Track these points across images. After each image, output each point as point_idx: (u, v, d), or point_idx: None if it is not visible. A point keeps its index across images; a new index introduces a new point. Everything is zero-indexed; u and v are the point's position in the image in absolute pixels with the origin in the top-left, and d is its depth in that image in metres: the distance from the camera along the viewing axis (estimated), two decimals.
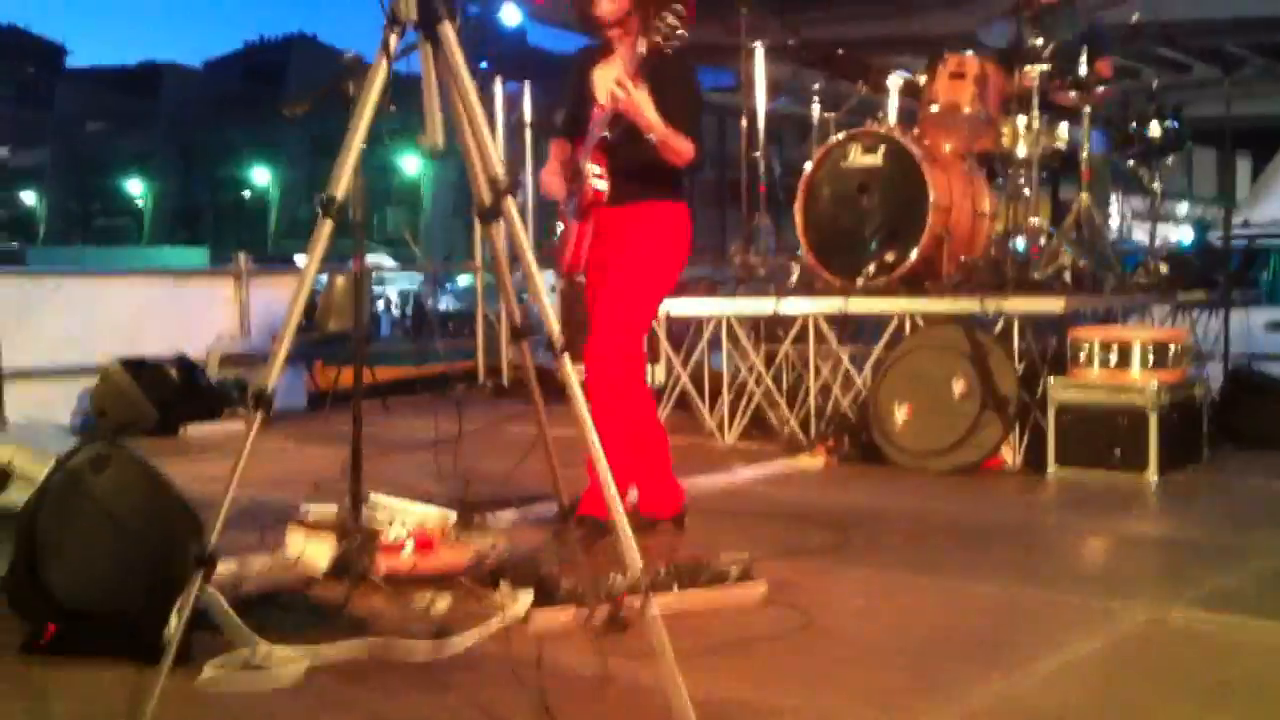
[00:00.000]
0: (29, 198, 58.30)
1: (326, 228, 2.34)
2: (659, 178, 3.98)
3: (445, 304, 36.45)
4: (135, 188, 56.42)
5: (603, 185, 3.93)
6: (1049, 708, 2.56)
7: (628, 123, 3.81)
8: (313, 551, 3.62)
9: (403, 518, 3.81)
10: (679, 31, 3.64)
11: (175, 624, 2.37)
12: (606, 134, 3.88)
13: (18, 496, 3.13)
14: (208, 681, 2.70)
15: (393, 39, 2.30)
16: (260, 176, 53.53)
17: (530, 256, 2.36)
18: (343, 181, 2.35)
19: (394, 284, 35.46)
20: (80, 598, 2.94)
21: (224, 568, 3.20)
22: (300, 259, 34.47)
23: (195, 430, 7.07)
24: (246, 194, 54.94)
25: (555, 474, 2.56)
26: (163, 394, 7.11)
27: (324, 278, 9.58)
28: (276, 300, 8.54)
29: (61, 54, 66.75)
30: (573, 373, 2.29)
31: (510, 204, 2.33)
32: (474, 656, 2.90)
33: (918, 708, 2.52)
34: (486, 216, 2.34)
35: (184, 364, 7.40)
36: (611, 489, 2.27)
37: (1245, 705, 2.58)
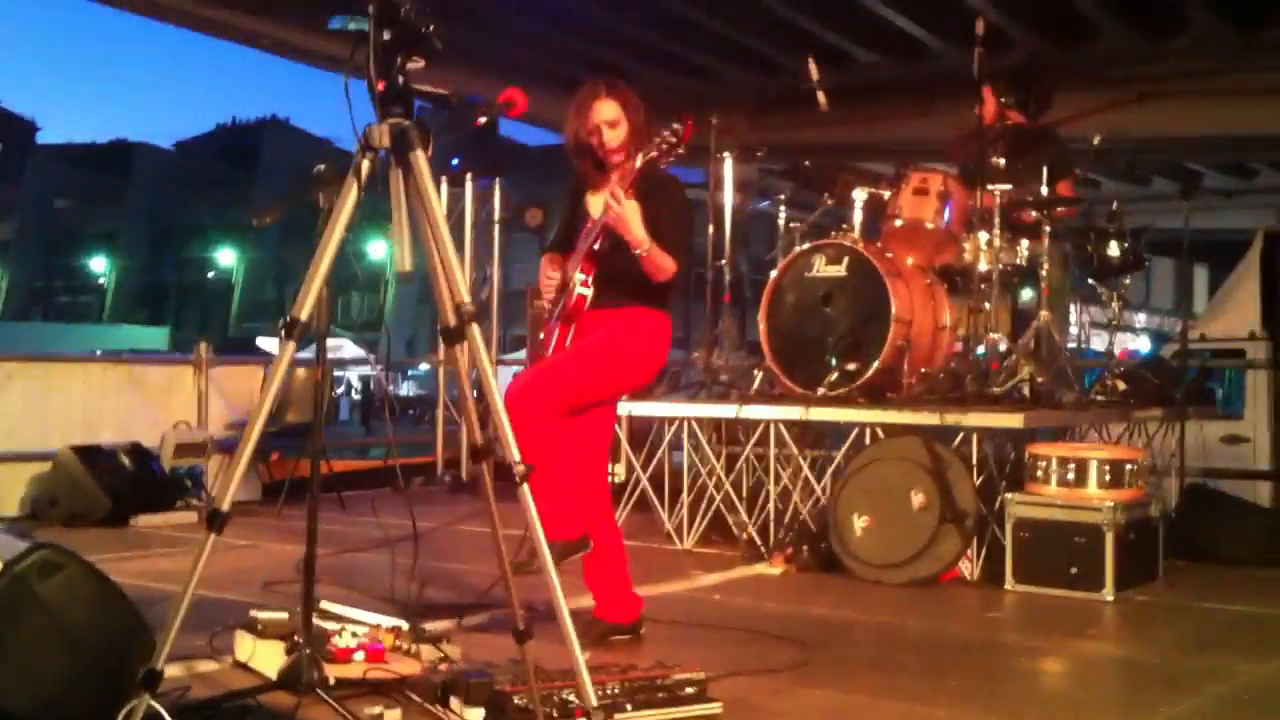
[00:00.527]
0: None
1: (289, 349, 2.33)
2: (644, 288, 4.07)
3: (406, 389, 36.35)
4: (99, 265, 56.16)
5: (587, 292, 4.05)
6: None
7: (616, 235, 3.94)
8: (262, 658, 3.57)
9: (354, 626, 3.76)
10: (677, 149, 3.79)
11: None
12: (596, 245, 4.02)
13: None
14: None
15: (364, 164, 2.32)
16: (225, 257, 53.47)
17: (491, 379, 2.36)
18: (308, 305, 2.35)
19: (356, 368, 35.37)
20: (24, 705, 2.87)
21: (171, 672, 3.15)
22: (263, 342, 34.36)
23: (147, 520, 6.98)
24: (211, 274, 54.79)
25: (513, 595, 2.54)
26: (115, 483, 7.02)
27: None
28: (235, 390, 8.49)
29: (33, 130, 66.74)
30: (532, 504, 2.28)
31: (474, 330, 2.34)
32: None
33: None
34: (451, 338, 2.35)
35: (138, 452, 7.32)
36: (553, 577, 2.25)
37: None
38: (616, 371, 4.13)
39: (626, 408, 6.75)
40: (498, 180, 9.50)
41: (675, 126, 3.78)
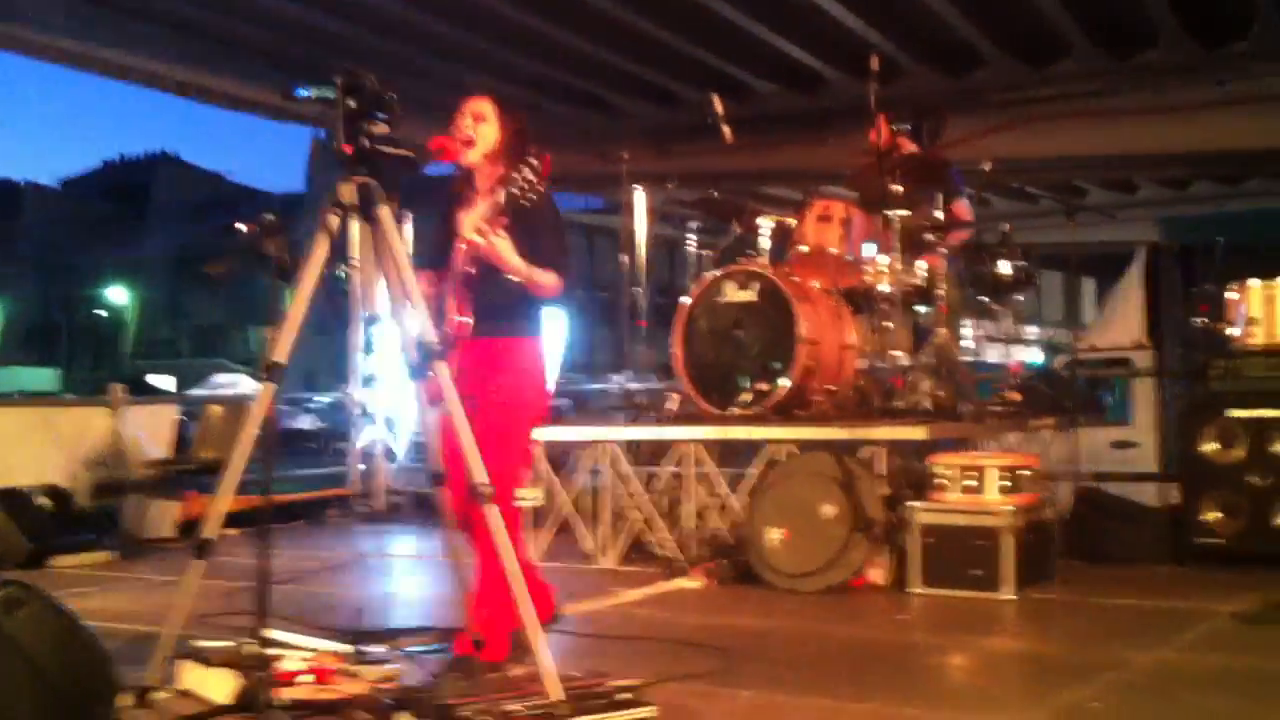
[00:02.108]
0: None
1: (269, 392, 2.49)
2: (518, 314, 4.15)
3: (306, 423, 35.93)
4: None
5: (467, 319, 4.02)
6: None
7: (492, 264, 3.96)
8: (211, 685, 3.68)
9: (299, 651, 3.90)
10: (537, 185, 3.78)
11: None
12: (470, 270, 3.99)
13: None
14: None
15: (333, 219, 2.50)
16: (117, 296, 52.46)
17: (459, 409, 2.54)
18: (285, 348, 2.51)
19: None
20: None
21: (120, 701, 3.27)
22: (154, 379, 33.71)
23: (66, 561, 6.96)
24: (102, 313, 53.69)
25: (469, 607, 2.71)
26: (34, 525, 6.99)
27: (202, 393, 9.56)
28: (149, 429, 8.49)
29: None
30: (497, 518, 2.47)
31: (442, 367, 2.52)
32: None
33: None
34: (416, 374, 2.54)
35: (55, 494, 7.31)
36: (532, 615, 2.43)
37: None
38: (528, 417, 4.26)
39: (545, 433, 6.94)
40: (410, 214, 9.63)
41: (534, 163, 3.79)
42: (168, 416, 8.85)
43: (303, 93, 2.62)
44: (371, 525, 8.70)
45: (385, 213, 2.50)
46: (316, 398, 32.75)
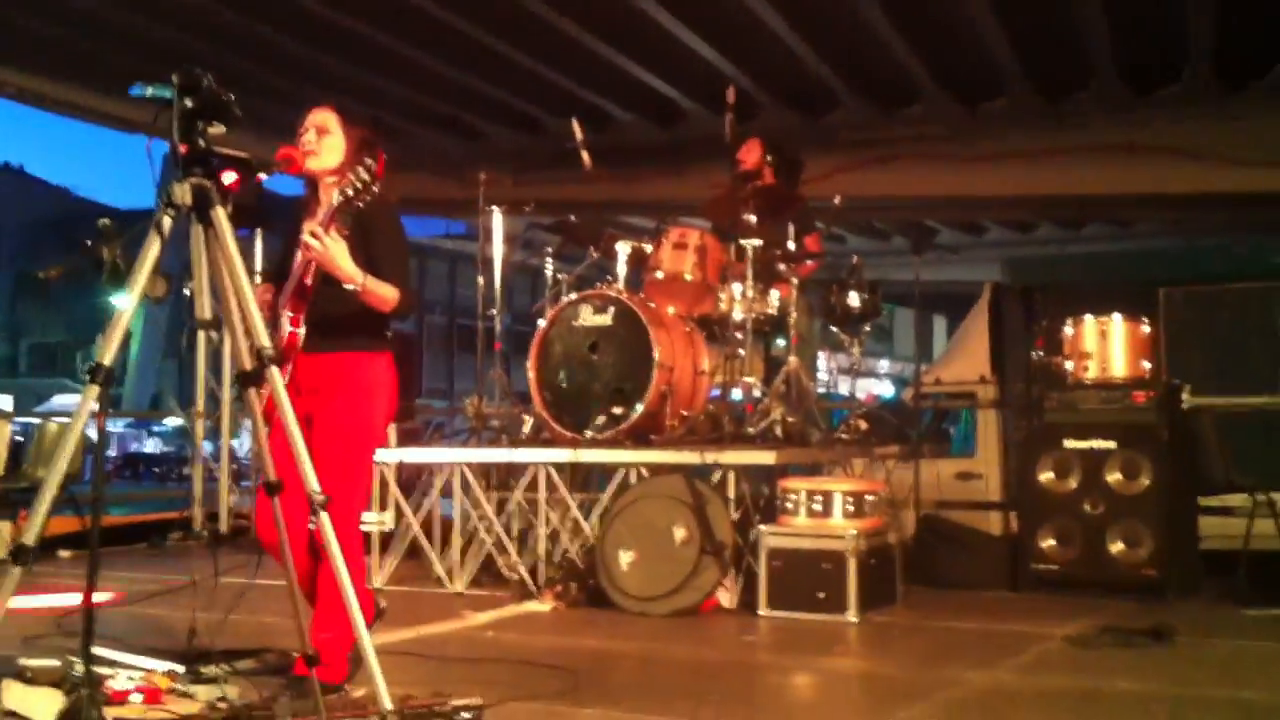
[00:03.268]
0: None
1: (94, 393, 2.42)
2: (359, 327, 3.97)
3: (151, 445, 34.90)
4: None
5: (299, 330, 3.88)
6: None
7: (328, 272, 3.81)
8: (36, 703, 3.53)
9: (130, 671, 3.78)
10: (371, 186, 3.66)
11: None
12: (307, 281, 3.86)
13: None
14: None
15: (166, 220, 2.45)
16: None
17: (291, 417, 2.50)
18: (110, 350, 2.44)
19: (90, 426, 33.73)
20: None
21: None
22: None
23: None
24: None
25: (301, 626, 2.66)
26: None
27: (33, 421, 9.22)
28: None
29: None
30: (330, 527, 2.43)
31: (275, 372, 2.48)
32: None
33: None
34: (250, 381, 2.49)
35: None
36: (362, 628, 2.40)
37: None
38: (368, 440, 4.06)
39: (396, 455, 6.86)
40: (259, 232, 9.45)
41: (368, 162, 3.67)
42: (1, 433, 8.49)
43: (138, 91, 2.57)
44: (214, 548, 8.45)
45: (220, 214, 2.46)
46: (163, 422, 31.88)
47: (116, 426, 32.01)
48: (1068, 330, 6.61)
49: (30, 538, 2.32)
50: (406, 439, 7.48)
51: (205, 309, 2.51)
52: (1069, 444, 6.32)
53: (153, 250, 2.47)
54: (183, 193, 2.47)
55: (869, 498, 5.81)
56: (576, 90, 10.43)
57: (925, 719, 3.81)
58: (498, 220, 7.54)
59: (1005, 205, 14.00)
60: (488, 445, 6.94)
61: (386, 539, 6.83)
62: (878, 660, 4.87)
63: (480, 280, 7.61)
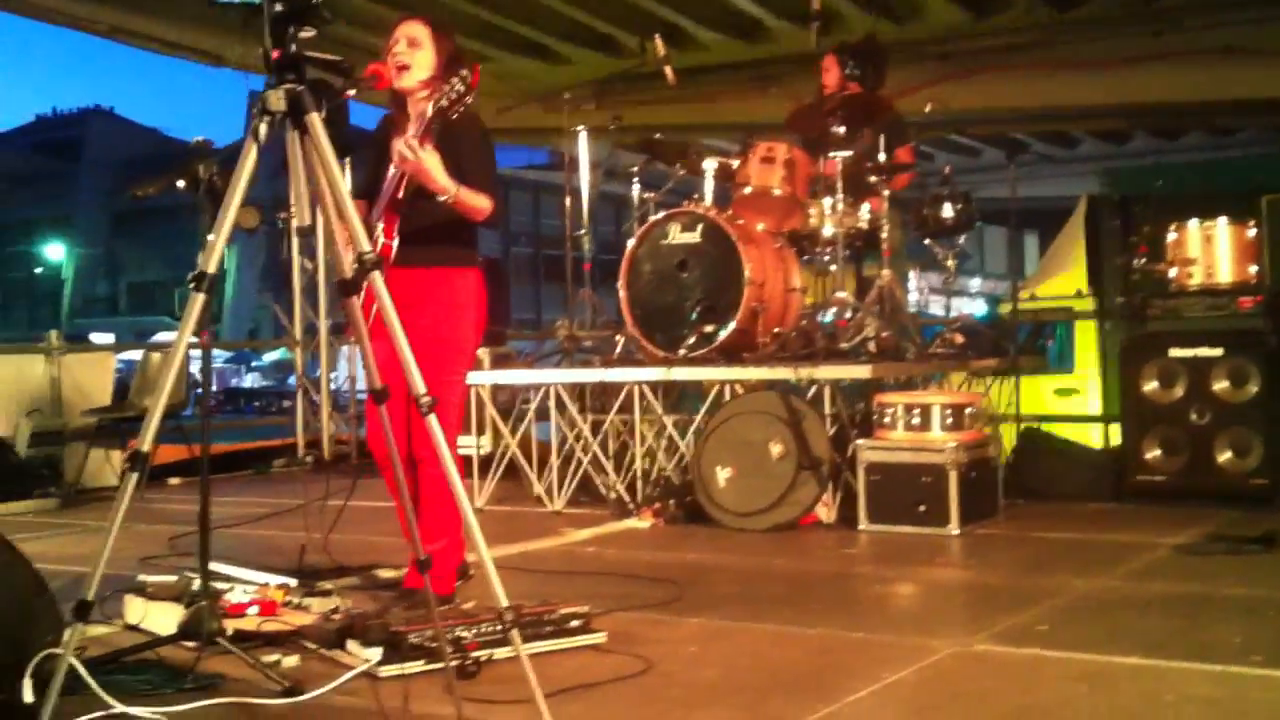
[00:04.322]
0: None
1: (199, 302, 2.45)
2: (452, 239, 4.00)
3: (250, 380, 35.71)
4: None
5: (392, 242, 3.91)
6: None
7: (418, 184, 3.84)
8: (156, 617, 3.65)
9: (245, 585, 3.87)
10: (466, 97, 3.67)
11: (54, 683, 2.41)
12: (399, 195, 3.89)
13: None
14: None
15: (262, 127, 2.45)
16: (54, 253, 51.48)
17: (394, 318, 2.52)
18: (214, 258, 2.47)
19: (196, 361, 34.54)
20: None
21: (66, 634, 3.22)
22: (97, 338, 33.31)
23: (4, 510, 6.87)
24: (38, 271, 52.69)
25: (415, 539, 2.71)
26: None
27: (138, 355, 9.44)
28: (87, 377, 8.37)
29: None
30: (439, 428, 2.45)
31: (378, 277, 2.50)
32: (330, 709, 2.99)
33: None
34: (350, 289, 2.50)
35: None
36: (477, 534, 2.43)
37: None
38: (462, 355, 4.09)
39: (491, 377, 6.93)
40: (348, 160, 9.51)
41: (463, 73, 3.67)
42: (105, 365, 8.72)
43: None
44: (317, 474, 8.63)
45: (315, 119, 2.46)
46: (261, 357, 32.59)
47: (216, 362, 32.74)
48: (1171, 236, 6.43)
49: (145, 443, 2.36)
50: (499, 364, 7.53)
51: (304, 215, 2.53)
52: (1174, 353, 6.17)
53: (250, 156, 2.48)
54: (277, 99, 2.47)
55: (968, 410, 5.73)
56: (656, 9, 10.28)
57: (1035, 624, 3.77)
58: (583, 142, 7.50)
59: (1098, 115, 13.61)
60: (581, 365, 6.96)
61: (484, 462, 6.90)
62: (982, 570, 4.83)
63: (568, 202, 7.59)
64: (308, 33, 2.53)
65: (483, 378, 6.79)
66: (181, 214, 45.02)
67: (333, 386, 9.68)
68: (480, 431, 7.22)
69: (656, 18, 10.24)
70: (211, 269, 2.45)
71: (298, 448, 9.31)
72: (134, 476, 2.37)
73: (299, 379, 9.69)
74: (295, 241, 9.23)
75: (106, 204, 50.86)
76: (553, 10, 10.43)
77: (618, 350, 6.84)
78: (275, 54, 2.50)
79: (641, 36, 9.20)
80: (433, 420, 2.48)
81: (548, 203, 39.47)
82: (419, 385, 2.48)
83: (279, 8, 2.45)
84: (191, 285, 2.43)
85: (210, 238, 2.51)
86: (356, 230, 2.51)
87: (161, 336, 32.33)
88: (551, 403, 6.60)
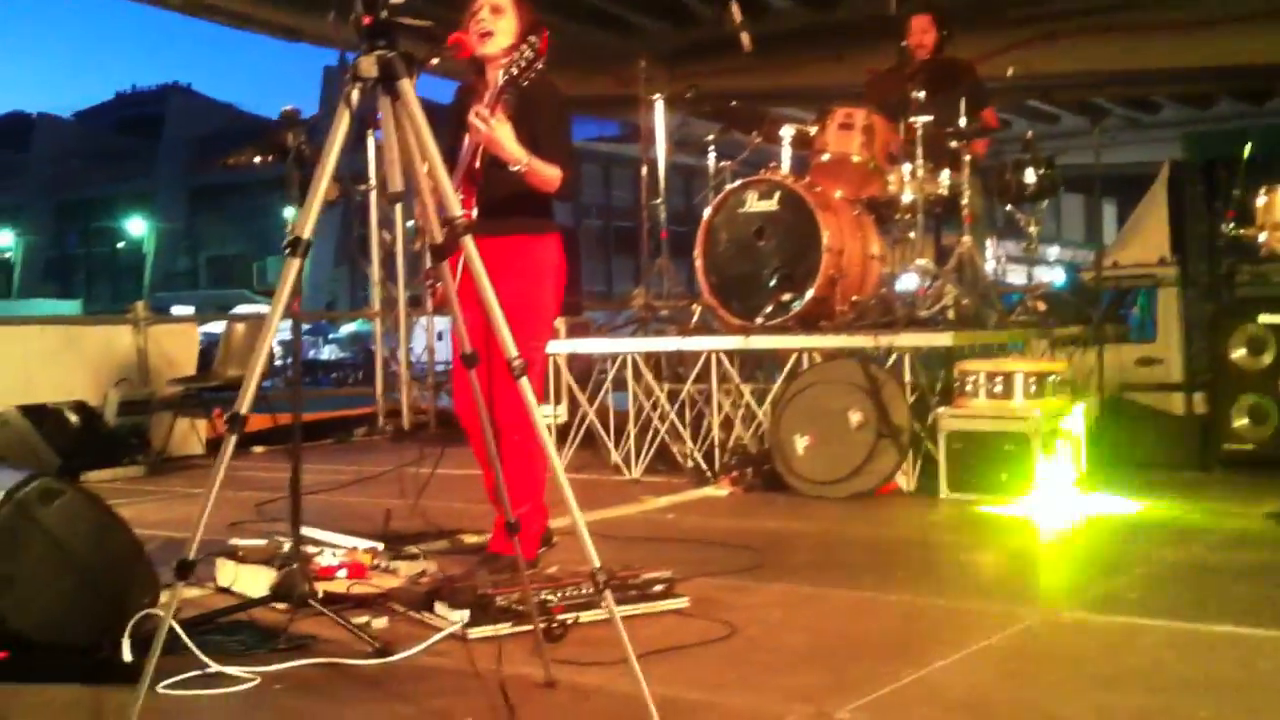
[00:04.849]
0: None
1: (294, 266, 2.48)
2: (529, 208, 3.99)
3: (327, 353, 36.15)
4: (4, 239, 54.85)
5: (470, 213, 3.88)
6: (956, 692, 2.79)
7: (493, 154, 3.83)
8: (248, 579, 3.72)
9: (334, 549, 3.93)
10: (535, 64, 3.63)
11: (156, 642, 2.46)
12: (476, 164, 3.89)
13: None
14: (165, 699, 2.79)
15: (354, 93, 2.47)
16: (135, 228, 52.49)
17: (487, 282, 2.54)
18: (309, 223, 2.49)
19: (279, 334, 35.03)
20: (31, 627, 3.00)
21: (164, 595, 3.30)
22: (178, 310, 33.95)
23: (96, 476, 7.03)
24: (120, 246, 53.77)
25: (506, 505, 2.73)
26: (63, 440, 7.06)
27: (220, 326, 9.60)
28: (173, 347, 8.53)
29: None
30: (530, 392, 2.47)
31: (469, 241, 2.51)
32: (420, 669, 3.03)
33: (841, 700, 2.72)
34: (441, 254, 2.52)
35: (83, 410, 7.36)
36: (570, 495, 2.45)
37: (1139, 690, 2.82)
38: (543, 320, 4.10)
39: (568, 346, 6.96)
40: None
41: (531, 39, 3.61)
42: (190, 335, 8.88)
43: None
44: (398, 442, 8.75)
45: (406, 85, 2.47)
46: (338, 329, 32.98)
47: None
48: (1260, 200, 6.28)
49: (243, 406, 2.40)
50: (576, 333, 7.56)
51: (396, 181, 2.55)
52: (1264, 319, 6.04)
53: (343, 122, 2.50)
54: (368, 65, 2.48)
55: (1051, 378, 5.65)
56: None
57: (1125, 592, 3.72)
58: (659, 111, 7.48)
59: (1183, 79, 13.32)
60: (657, 334, 6.97)
61: (561, 431, 6.94)
62: (1067, 539, 4.77)
63: (644, 171, 7.58)
64: None
65: (560, 346, 6.83)
66: (257, 189, 45.70)
67: (410, 357, 9.78)
68: (557, 400, 7.27)
69: None
70: (306, 234, 2.47)
71: (377, 417, 9.43)
72: (233, 438, 2.41)
73: (378, 349, 9.81)
74: (375, 213, 9.33)
75: (185, 179, 51.75)
76: None
77: (694, 319, 6.83)
78: (367, 19, 2.51)
79: (714, 5, 9.11)
80: (524, 383, 2.49)
81: (618, 175, 39.52)
82: (511, 348, 2.50)
83: None
84: (286, 250, 2.46)
85: (297, 209, 2.54)
86: (448, 195, 2.53)
87: (241, 309, 32.85)
88: (629, 372, 6.61)
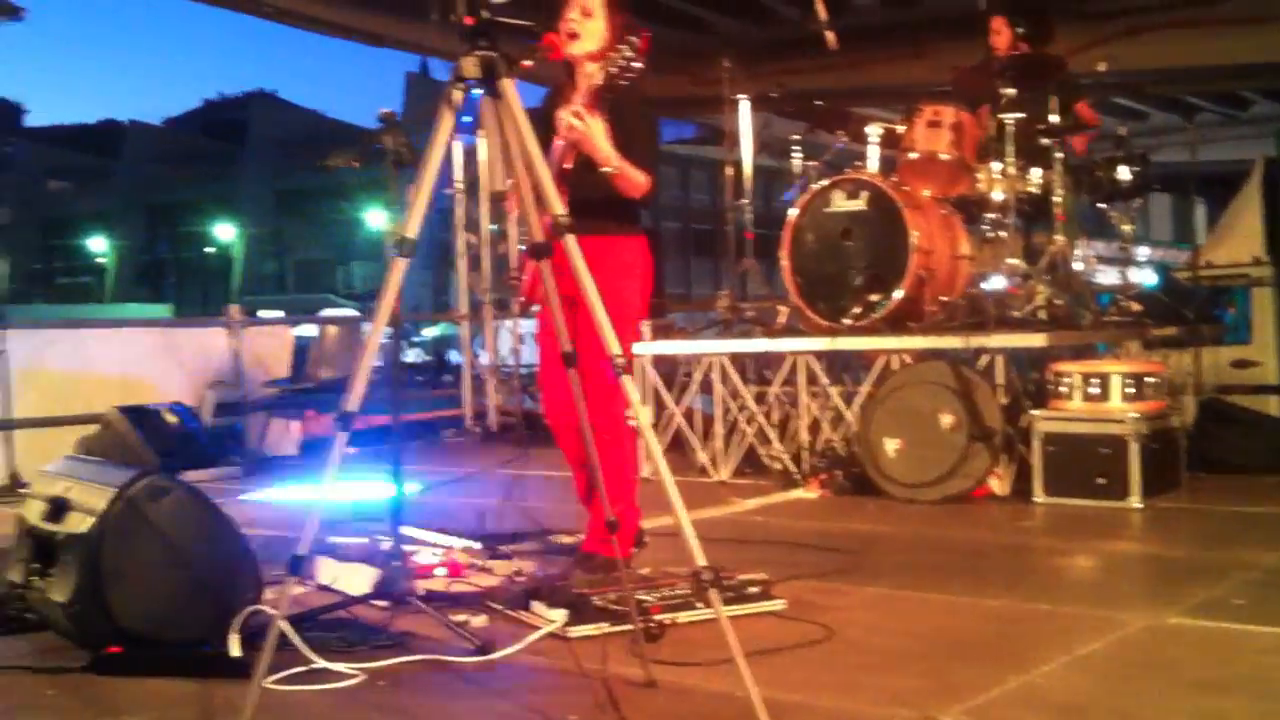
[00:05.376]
0: None
1: (400, 266, 2.51)
2: (617, 210, 4.00)
3: (413, 356, 36.56)
4: (98, 245, 56.25)
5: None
6: (1061, 697, 2.76)
7: (584, 155, 3.84)
8: (349, 577, 3.78)
9: (432, 548, 3.99)
10: (634, 64, 3.60)
11: (270, 638, 2.51)
12: (566, 166, 3.89)
13: (75, 526, 3.25)
14: (271, 694, 2.84)
15: (456, 93, 2.50)
16: (223, 233, 53.54)
17: (589, 283, 2.56)
18: (414, 223, 2.53)
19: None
20: (140, 622, 3.09)
21: (268, 593, 3.37)
22: (265, 313, 34.60)
23: (194, 476, 7.15)
24: (209, 250, 54.87)
25: (605, 504, 2.75)
26: (162, 441, 7.21)
27: (314, 329, 9.76)
28: (266, 350, 8.69)
29: (19, 113, 66.83)
30: (635, 391, 2.48)
31: (572, 240, 2.54)
32: (519, 667, 3.06)
33: (943, 704, 2.70)
34: (542, 252, 2.55)
35: (181, 411, 7.52)
36: (674, 491, 2.45)
37: (1245, 697, 2.76)
38: (629, 318, 4.08)
39: (653, 348, 6.97)
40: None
41: (632, 40, 3.58)
42: (284, 338, 9.04)
43: None
44: (485, 444, 8.83)
45: (508, 84, 2.50)
46: (421, 333, 33.37)
47: (384, 337, 33.58)
48: None
49: (352, 404, 2.44)
50: (660, 335, 7.57)
51: (497, 180, 2.58)
52: None
53: (446, 123, 2.53)
54: (471, 65, 2.51)
55: (1149, 380, 5.55)
56: None
57: (1229, 598, 3.65)
58: (745, 110, 7.46)
59: (1272, 73, 12.98)
60: (743, 336, 6.95)
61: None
62: (1165, 544, 4.69)
63: (729, 171, 7.57)
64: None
65: (645, 348, 6.84)
66: (342, 194, 46.39)
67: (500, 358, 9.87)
68: (642, 402, 7.27)
69: None
70: (411, 234, 2.51)
71: (464, 419, 9.52)
72: (344, 435, 2.45)
73: (465, 351, 9.90)
74: (461, 216, 9.42)
75: (271, 184, 52.65)
76: None
77: (780, 321, 6.81)
78: (469, 20, 2.54)
79: (790, 3, 9.08)
80: (627, 381, 2.51)
81: (696, 177, 39.49)
82: (614, 345, 2.51)
83: None
84: (396, 250, 2.50)
85: (394, 211, 2.58)
86: (549, 194, 2.55)
87: (326, 312, 33.34)
88: (716, 374, 6.61)
